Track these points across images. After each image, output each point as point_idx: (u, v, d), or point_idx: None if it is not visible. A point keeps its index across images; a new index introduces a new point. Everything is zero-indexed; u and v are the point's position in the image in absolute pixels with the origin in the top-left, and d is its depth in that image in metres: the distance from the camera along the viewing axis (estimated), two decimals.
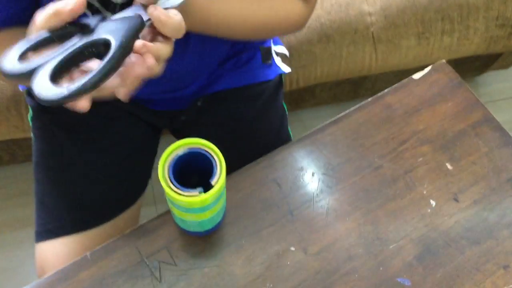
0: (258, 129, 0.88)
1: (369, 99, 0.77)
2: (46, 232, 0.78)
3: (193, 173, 0.57)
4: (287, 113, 0.96)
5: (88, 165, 0.81)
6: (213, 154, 0.55)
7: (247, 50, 0.87)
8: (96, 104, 0.49)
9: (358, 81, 1.51)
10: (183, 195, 0.53)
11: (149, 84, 0.55)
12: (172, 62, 0.56)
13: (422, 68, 0.81)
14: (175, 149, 0.55)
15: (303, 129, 1.68)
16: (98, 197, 0.81)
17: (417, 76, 0.79)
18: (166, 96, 0.84)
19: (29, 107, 0.86)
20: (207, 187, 0.54)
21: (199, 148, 0.56)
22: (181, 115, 0.88)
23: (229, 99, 0.87)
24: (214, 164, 0.55)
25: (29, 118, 0.87)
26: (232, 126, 0.87)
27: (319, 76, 1.29)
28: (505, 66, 1.65)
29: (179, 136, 0.92)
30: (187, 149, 0.55)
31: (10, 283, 1.42)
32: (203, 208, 0.56)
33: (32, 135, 0.85)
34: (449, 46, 1.29)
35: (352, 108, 0.76)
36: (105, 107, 0.79)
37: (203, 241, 0.65)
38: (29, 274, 1.43)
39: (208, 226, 0.63)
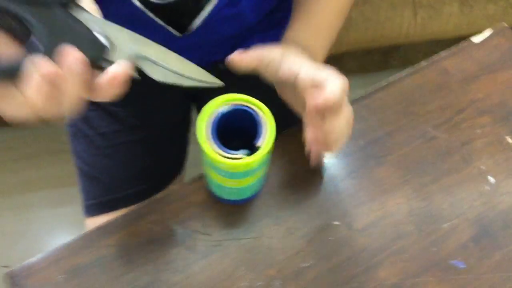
0: None
1: (424, 63, 0.70)
2: (99, 205, 0.76)
3: (234, 134, 0.51)
4: None
5: (130, 140, 0.78)
6: (259, 112, 0.49)
7: (280, 10, 0.80)
8: None
9: (389, 51, 1.43)
10: (226, 157, 0.47)
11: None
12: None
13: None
14: (216, 106, 0.49)
15: None
16: (147, 169, 0.78)
17: (476, 39, 0.72)
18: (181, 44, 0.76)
19: None
20: (251, 150, 0.48)
21: (244, 105, 0.49)
22: None
23: None
24: (260, 124, 0.48)
25: None
26: (262, 90, 0.81)
27: (351, 42, 1.21)
28: None
29: (201, 105, 0.87)
30: (231, 106, 0.49)
31: (19, 246, 1.39)
32: (246, 173, 0.50)
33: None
34: (493, 14, 1.20)
35: (404, 72, 0.69)
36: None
37: (239, 211, 0.59)
38: (38, 238, 1.39)
39: (247, 194, 0.57)
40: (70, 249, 0.56)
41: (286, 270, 0.57)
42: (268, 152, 0.48)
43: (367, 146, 0.64)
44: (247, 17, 0.73)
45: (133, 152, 0.77)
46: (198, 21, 0.68)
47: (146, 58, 0.39)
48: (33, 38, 0.35)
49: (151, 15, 0.66)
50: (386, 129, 0.65)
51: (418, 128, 0.65)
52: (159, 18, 0.67)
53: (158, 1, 0.63)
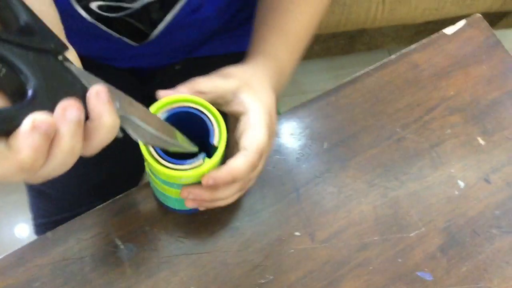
0: None
1: (393, 56, 0.65)
2: (51, 225, 0.69)
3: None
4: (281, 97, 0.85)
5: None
6: (206, 111, 0.43)
7: (243, 11, 0.73)
8: None
9: (355, 35, 1.38)
10: (181, 170, 0.41)
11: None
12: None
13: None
14: (159, 108, 0.42)
15: (292, 84, 1.55)
16: (102, 183, 0.70)
17: (449, 31, 0.67)
18: (139, 52, 0.70)
19: None
20: (206, 151, 0.42)
21: (188, 107, 0.43)
22: (155, 77, 0.75)
23: (213, 66, 0.74)
24: (208, 123, 0.42)
25: None
26: None
27: (317, 28, 1.15)
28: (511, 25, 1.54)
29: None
30: (175, 108, 0.43)
31: None
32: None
33: None
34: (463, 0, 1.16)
35: (372, 66, 0.64)
36: None
37: (190, 223, 0.54)
38: None
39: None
40: None
41: (242, 287, 0.52)
42: (224, 151, 0.42)
43: (332, 148, 0.59)
44: (210, 22, 0.67)
45: (86, 165, 0.69)
46: (157, 30, 0.61)
47: (129, 120, 0.34)
48: (26, 86, 0.28)
49: (104, 28, 0.59)
50: (352, 129, 0.60)
51: (386, 128, 0.61)
52: (114, 30, 0.61)
53: (112, 14, 0.57)
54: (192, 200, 0.44)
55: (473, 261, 0.56)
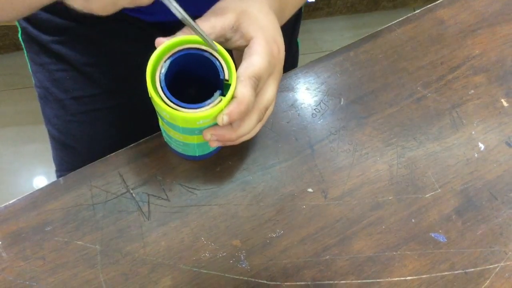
0: None
1: (417, 11, 0.62)
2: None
3: (194, 81, 0.44)
4: (299, 50, 0.81)
5: (108, 106, 0.69)
6: (208, 49, 0.41)
7: None
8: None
9: None
10: (195, 112, 0.40)
11: None
12: None
13: None
14: (165, 52, 0.41)
15: (312, 42, 1.52)
16: (127, 138, 0.70)
17: None
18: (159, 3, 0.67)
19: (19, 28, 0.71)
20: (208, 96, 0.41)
21: (188, 49, 0.41)
22: (175, 30, 0.73)
23: None
24: (215, 60, 0.41)
25: (20, 37, 0.72)
26: None
27: None
28: None
29: None
30: (173, 54, 0.41)
31: None
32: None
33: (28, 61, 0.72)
34: None
35: (395, 21, 0.62)
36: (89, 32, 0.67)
37: (202, 175, 0.53)
38: (3, 179, 1.33)
39: (197, 151, 0.50)
40: (11, 212, 0.50)
41: (252, 240, 0.52)
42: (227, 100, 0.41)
43: (349, 105, 0.58)
44: None
45: (111, 119, 0.68)
46: None
47: None
48: None
49: None
50: (371, 86, 0.59)
51: (407, 86, 0.59)
52: None
53: None
54: (216, 141, 0.43)
55: (489, 224, 0.55)
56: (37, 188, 0.51)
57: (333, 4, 1.35)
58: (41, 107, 0.71)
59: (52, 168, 0.73)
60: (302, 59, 0.86)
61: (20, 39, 0.72)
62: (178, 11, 0.37)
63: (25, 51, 0.72)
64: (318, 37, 1.53)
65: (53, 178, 0.72)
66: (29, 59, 0.71)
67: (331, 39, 1.52)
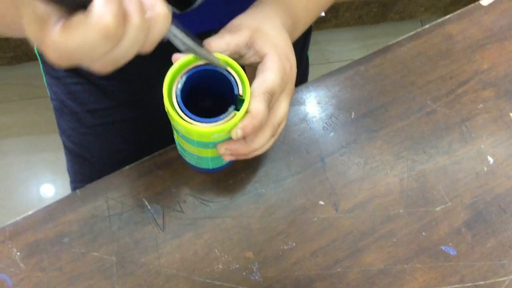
0: None
1: (426, 26, 0.63)
2: None
3: (210, 97, 0.45)
4: (309, 64, 0.83)
5: (122, 119, 0.70)
6: (226, 67, 0.43)
7: None
8: None
9: (388, 3, 1.35)
10: (211, 126, 0.41)
11: None
12: None
13: None
14: (181, 68, 0.42)
15: (319, 53, 1.53)
16: (141, 151, 0.71)
17: (485, 2, 0.65)
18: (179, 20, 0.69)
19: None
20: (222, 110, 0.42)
21: (203, 65, 0.43)
22: None
23: None
24: (229, 76, 0.42)
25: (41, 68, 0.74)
26: None
27: None
28: None
29: None
30: (189, 70, 0.42)
31: None
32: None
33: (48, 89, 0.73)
34: None
35: (404, 36, 0.63)
36: None
37: (215, 187, 0.54)
38: (11, 186, 1.34)
39: (210, 164, 0.51)
40: (29, 224, 0.51)
41: (264, 252, 0.53)
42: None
43: (359, 119, 0.59)
44: None
45: (126, 132, 0.69)
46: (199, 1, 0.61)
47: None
48: None
49: None
50: (381, 100, 0.60)
51: (416, 100, 0.60)
52: None
53: None
54: (229, 155, 0.45)
55: (498, 237, 0.55)
56: (44, 197, 0.52)
57: (341, 16, 1.37)
58: (56, 119, 0.72)
59: (61, 177, 0.74)
60: (310, 70, 0.87)
61: (36, 52, 0.74)
62: (183, 43, 0.38)
63: (40, 64, 0.73)
64: (325, 48, 1.54)
65: (62, 187, 0.73)
66: (44, 72, 0.73)
67: (339, 50, 1.53)
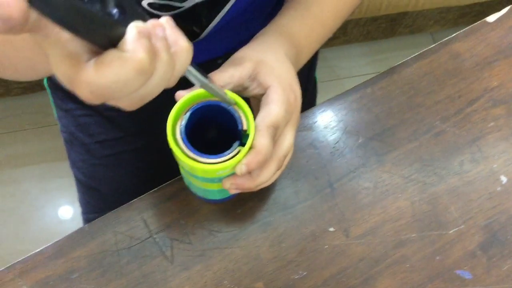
0: None
1: (433, 46, 0.62)
2: None
3: (214, 132, 0.45)
4: (317, 84, 0.82)
5: (131, 149, 0.71)
6: (234, 103, 0.42)
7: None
8: None
9: (397, 17, 1.34)
10: (218, 162, 0.41)
11: None
12: None
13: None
14: (186, 104, 0.42)
15: (329, 69, 1.53)
16: (151, 179, 0.71)
17: (491, 18, 0.64)
18: None
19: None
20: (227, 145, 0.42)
21: (207, 101, 0.43)
22: None
23: None
24: (233, 111, 0.42)
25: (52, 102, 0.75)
26: None
27: (357, 11, 1.12)
28: None
29: None
30: (192, 107, 0.42)
31: (7, 224, 1.35)
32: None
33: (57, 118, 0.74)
34: None
35: (410, 56, 0.62)
36: None
37: (223, 217, 0.54)
38: (27, 214, 1.35)
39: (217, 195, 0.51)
40: (39, 260, 0.51)
41: (275, 283, 0.52)
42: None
43: (367, 142, 0.58)
44: (258, 24, 0.66)
45: (135, 161, 0.70)
46: (206, 31, 0.61)
47: None
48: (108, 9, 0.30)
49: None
50: (389, 122, 0.59)
51: (425, 122, 0.59)
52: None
53: (164, 13, 0.57)
54: (235, 189, 0.44)
55: None
56: (63, 219, 0.52)
57: (349, 32, 1.37)
58: (66, 151, 0.73)
59: (77, 203, 0.74)
60: (320, 87, 0.86)
61: (46, 85, 0.75)
62: (196, 78, 0.38)
63: (50, 97, 0.74)
64: (335, 64, 1.54)
65: (79, 213, 0.74)
66: (54, 105, 0.74)
67: (349, 66, 1.52)
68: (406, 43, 1.49)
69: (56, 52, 0.27)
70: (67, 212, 1.36)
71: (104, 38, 0.27)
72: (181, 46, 0.31)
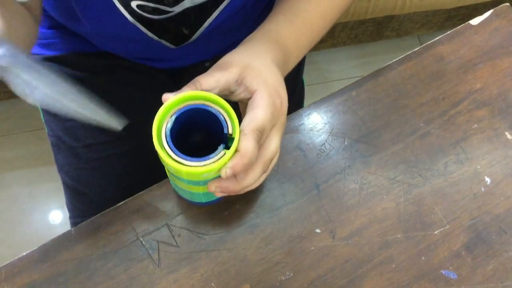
0: None
1: (417, 49, 0.63)
2: None
3: (200, 134, 0.46)
4: (305, 87, 0.83)
5: (119, 152, 0.71)
6: (216, 106, 0.43)
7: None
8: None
9: (383, 21, 1.35)
10: (204, 165, 0.41)
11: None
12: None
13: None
14: (170, 108, 0.43)
15: (318, 72, 1.54)
16: (139, 183, 0.71)
17: (475, 21, 0.65)
18: (174, 54, 0.69)
19: None
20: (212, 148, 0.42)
21: (193, 105, 0.43)
22: (184, 75, 0.74)
23: None
24: (219, 115, 0.42)
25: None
26: None
27: (344, 14, 1.13)
28: None
29: None
30: (178, 110, 0.42)
31: None
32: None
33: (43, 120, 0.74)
34: None
35: (395, 59, 0.63)
36: (100, 78, 0.69)
37: (210, 220, 0.54)
38: (15, 220, 1.34)
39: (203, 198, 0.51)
40: (24, 264, 0.51)
41: (262, 284, 0.52)
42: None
43: (353, 144, 0.58)
44: (247, 28, 0.67)
45: (123, 165, 0.70)
46: (196, 35, 0.61)
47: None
48: None
49: (144, 30, 0.59)
50: (374, 124, 0.59)
51: (410, 124, 0.60)
52: (153, 33, 0.60)
53: (153, 16, 0.57)
54: (220, 192, 0.45)
55: (500, 259, 0.55)
56: (54, 223, 0.52)
57: (337, 36, 1.38)
58: (54, 155, 0.73)
59: (66, 207, 0.74)
60: (308, 90, 0.87)
61: None
62: None
63: None
64: (324, 67, 1.55)
65: (67, 217, 0.73)
66: (41, 109, 0.73)
67: (337, 69, 1.53)
68: (394, 46, 1.50)
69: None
70: (56, 216, 1.35)
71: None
72: None
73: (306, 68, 0.85)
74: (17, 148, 1.42)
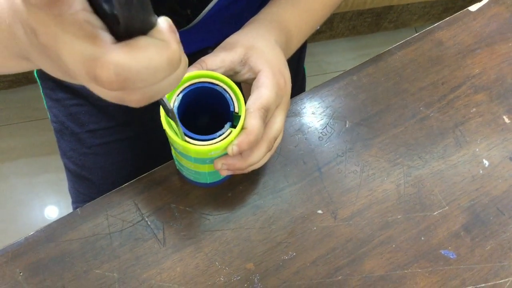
0: None
1: (417, 34, 0.64)
2: None
3: (206, 113, 0.46)
4: (306, 76, 0.84)
5: (122, 138, 0.71)
6: (223, 85, 0.43)
7: None
8: None
9: (382, 12, 1.36)
10: (207, 144, 0.42)
11: None
12: None
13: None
14: (172, 93, 0.43)
15: (316, 64, 1.55)
16: (142, 168, 0.71)
17: (473, 8, 0.66)
18: None
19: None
20: (218, 127, 0.43)
21: (199, 83, 0.44)
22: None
23: None
24: (225, 93, 0.43)
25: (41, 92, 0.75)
26: None
27: (343, 5, 1.14)
28: None
29: None
30: (185, 88, 0.43)
31: None
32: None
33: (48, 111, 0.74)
34: None
35: (395, 45, 0.64)
36: None
37: (214, 200, 0.55)
38: (13, 209, 1.35)
39: (208, 178, 0.52)
40: (30, 244, 0.52)
41: (265, 263, 0.53)
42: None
43: (354, 127, 0.59)
44: (250, 14, 0.67)
45: (126, 151, 0.70)
46: (198, 18, 0.62)
47: None
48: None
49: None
50: (375, 108, 0.60)
51: (410, 107, 0.61)
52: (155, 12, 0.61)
53: None
54: (226, 170, 0.45)
55: (498, 239, 0.56)
56: (48, 218, 0.53)
57: (335, 27, 1.38)
58: (57, 141, 0.73)
59: (64, 198, 0.75)
60: (307, 81, 0.88)
61: (36, 76, 0.75)
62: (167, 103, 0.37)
63: (40, 87, 0.74)
64: (322, 59, 1.55)
65: (65, 208, 0.74)
66: (44, 95, 0.74)
67: (335, 61, 1.54)
68: (391, 38, 1.52)
69: (71, 31, 0.25)
70: (53, 211, 1.36)
71: (138, 24, 0.26)
72: (185, 58, 0.31)
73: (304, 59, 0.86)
74: (16, 138, 1.42)
